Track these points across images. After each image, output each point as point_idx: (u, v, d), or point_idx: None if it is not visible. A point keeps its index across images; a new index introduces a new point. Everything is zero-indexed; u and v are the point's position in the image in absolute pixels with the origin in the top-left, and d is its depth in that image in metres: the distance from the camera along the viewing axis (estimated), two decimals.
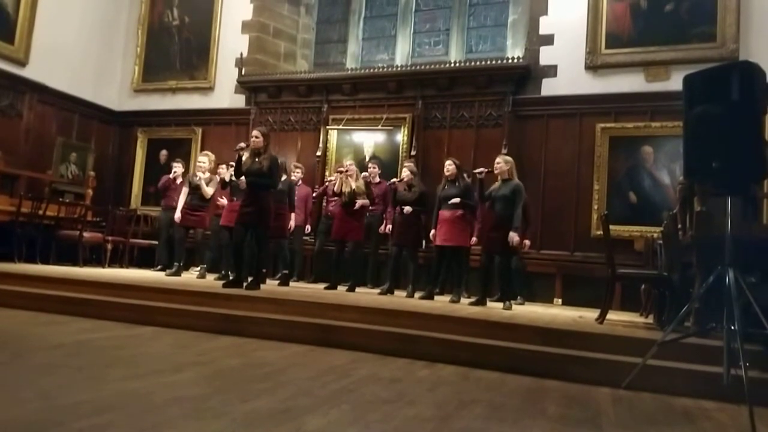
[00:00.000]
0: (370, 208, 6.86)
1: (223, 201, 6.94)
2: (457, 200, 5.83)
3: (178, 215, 6.87)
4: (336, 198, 6.84)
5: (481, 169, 5.64)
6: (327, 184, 7.57)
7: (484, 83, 7.92)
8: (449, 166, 6.02)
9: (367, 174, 7.19)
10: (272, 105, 9.12)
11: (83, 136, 9.58)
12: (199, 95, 9.66)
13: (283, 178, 6.42)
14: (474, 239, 6.29)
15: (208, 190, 6.82)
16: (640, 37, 7.37)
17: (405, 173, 6.38)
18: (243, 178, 5.59)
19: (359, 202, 6.41)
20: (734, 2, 6.89)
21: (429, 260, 6.66)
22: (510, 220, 5.41)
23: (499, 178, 5.64)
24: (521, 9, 8.61)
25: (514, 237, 5.32)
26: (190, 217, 6.84)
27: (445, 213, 5.93)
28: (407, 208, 6.18)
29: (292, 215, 6.62)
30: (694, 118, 2.90)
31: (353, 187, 6.43)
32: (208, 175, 6.93)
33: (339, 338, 3.77)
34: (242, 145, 5.64)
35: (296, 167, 7.58)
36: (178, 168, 7.57)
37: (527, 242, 6.64)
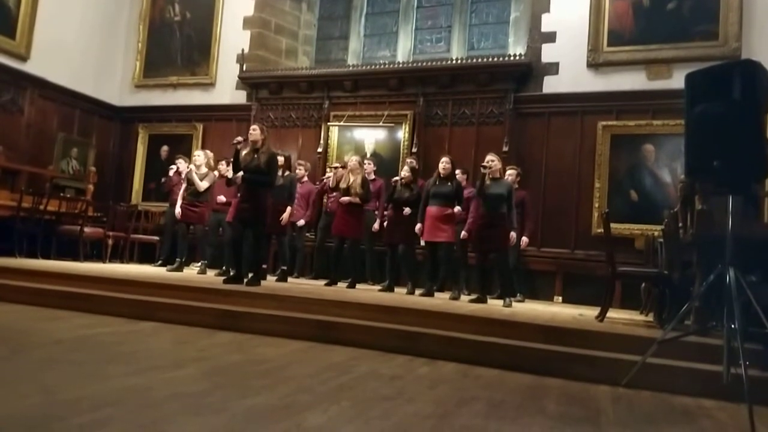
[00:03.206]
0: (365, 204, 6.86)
1: (222, 198, 6.95)
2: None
3: (178, 211, 6.89)
4: (335, 194, 6.84)
5: (488, 164, 5.64)
6: (325, 180, 7.57)
7: (485, 80, 7.91)
8: (446, 164, 6.01)
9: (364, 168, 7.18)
10: (273, 101, 9.11)
11: (84, 132, 9.58)
12: (200, 91, 9.65)
13: (287, 173, 6.42)
14: (464, 233, 6.30)
15: (201, 184, 6.83)
16: (642, 35, 7.36)
17: (405, 172, 6.34)
18: (240, 173, 5.57)
19: (347, 198, 6.38)
20: (737, 0, 6.88)
21: (426, 257, 6.65)
22: (501, 218, 5.48)
23: (489, 176, 5.62)
24: (523, 6, 8.60)
25: (514, 236, 5.38)
26: (189, 213, 6.85)
27: (432, 209, 5.93)
28: (407, 210, 6.16)
29: (288, 208, 6.57)
30: (696, 117, 2.90)
31: (350, 182, 6.41)
32: (205, 170, 6.94)
33: (339, 335, 3.77)
34: (239, 139, 5.64)
35: (300, 164, 7.57)
36: (180, 163, 7.56)
37: (525, 239, 6.63)
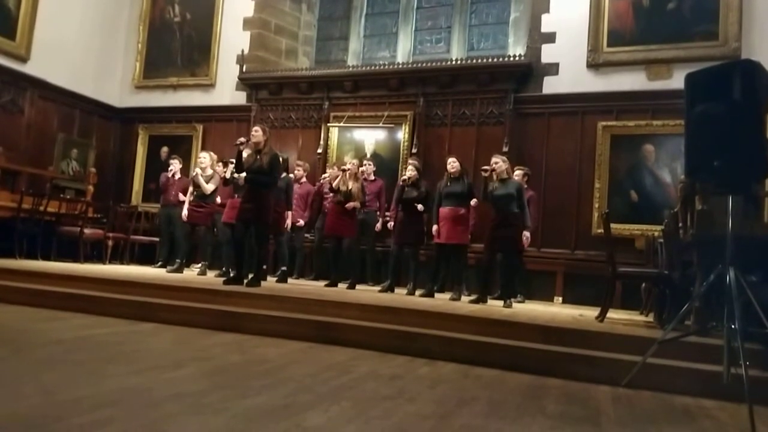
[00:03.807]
0: (364, 207, 6.89)
1: (217, 199, 6.95)
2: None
3: (184, 213, 6.90)
4: (331, 194, 6.85)
5: (487, 167, 5.64)
6: (322, 181, 7.59)
7: (485, 81, 7.91)
8: (454, 163, 6.03)
9: (363, 169, 7.16)
10: (273, 102, 9.11)
11: (84, 133, 9.58)
12: (200, 92, 9.65)
13: (283, 175, 6.42)
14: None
15: (207, 187, 6.83)
16: (642, 35, 7.36)
17: (411, 172, 6.34)
18: (242, 174, 5.59)
19: (351, 204, 6.41)
20: (737, 0, 6.88)
21: (430, 258, 6.66)
22: (515, 218, 5.45)
23: (496, 177, 5.62)
24: (523, 6, 8.60)
25: (528, 236, 5.40)
26: (195, 214, 6.86)
27: (446, 210, 5.92)
28: (420, 206, 6.14)
29: (289, 213, 6.62)
30: (696, 117, 2.90)
31: (350, 187, 6.42)
32: (210, 172, 6.94)
33: (339, 335, 3.77)
34: (242, 139, 5.65)
35: (298, 165, 7.58)
36: (174, 164, 7.60)
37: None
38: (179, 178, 7.59)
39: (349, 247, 6.58)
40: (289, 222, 6.59)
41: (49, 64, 8.70)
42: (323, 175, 7.76)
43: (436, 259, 6.20)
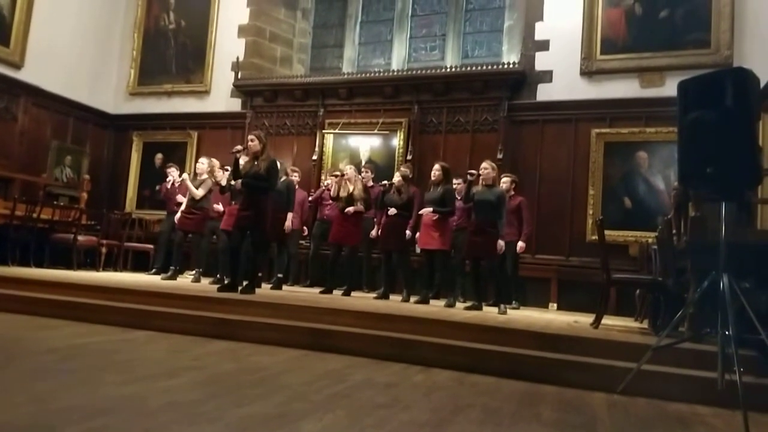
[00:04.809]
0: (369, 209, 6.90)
1: (219, 207, 6.92)
2: (428, 210, 5.97)
3: (176, 217, 6.87)
4: (331, 202, 6.84)
5: (473, 171, 5.68)
6: (323, 187, 7.59)
7: (479, 88, 7.95)
8: (436, 171, 6.10)
9: (361, 176, 7.16)
10: (268, 109, 9.13)
11: (78, 140, 9.56)
12: (195, 99, 9.66)
13: (282, 178, 6.42)
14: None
15: (196, 192, 6.77)
16: (634, 43, 7.42)
17: (396, 178, 6.39)
18: (239, 180, 5.58)
19: (353, 208, 6.39)
20: (728, 9, 6.95)
21: (422, 264, 6.66)
22: (491, 225, 5.48)
23: (482, 182, 5.65)
24: (517, 15, 8.65)
25: (502, 245, 5.40)
26: (185, 221, 6.82)
27: (425, 217, 6.01)
28: (392, 210, 6.20)
29: (289, 215, 6.60)
30: (689, 124, 2.91)
31: (351, 191, 6.42)
32: (205, 177, 6.90)
33: (334, 343, 3.76)
34: (239, 147, 5.65)
35: (293, 171, 7.58)
36: (172, 172, 7.57)
37: (522, 244, 6.54)
38: (180, 185, 7.54)
39: (349, 255, 6.55)
40: (288, 224, 6.56)
41: (43, 71, 8.69)
42: (325, 182, 7.75)
43: (426, 266, 6.24)
